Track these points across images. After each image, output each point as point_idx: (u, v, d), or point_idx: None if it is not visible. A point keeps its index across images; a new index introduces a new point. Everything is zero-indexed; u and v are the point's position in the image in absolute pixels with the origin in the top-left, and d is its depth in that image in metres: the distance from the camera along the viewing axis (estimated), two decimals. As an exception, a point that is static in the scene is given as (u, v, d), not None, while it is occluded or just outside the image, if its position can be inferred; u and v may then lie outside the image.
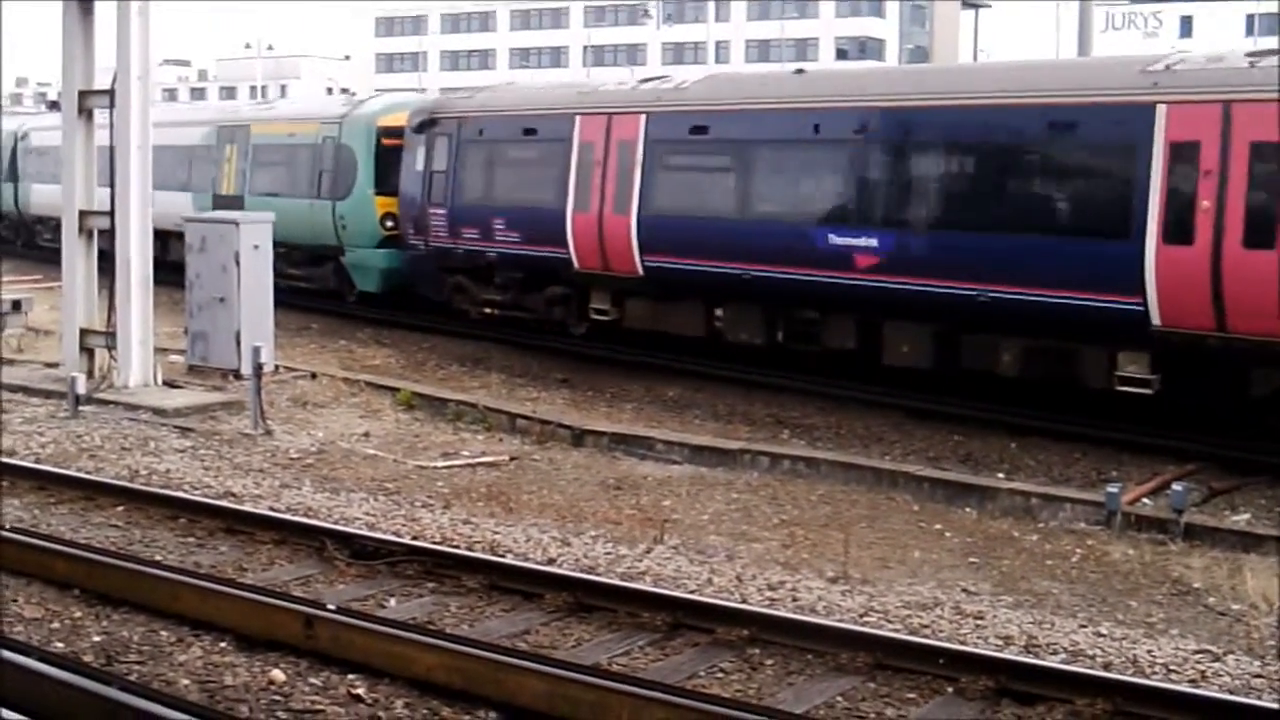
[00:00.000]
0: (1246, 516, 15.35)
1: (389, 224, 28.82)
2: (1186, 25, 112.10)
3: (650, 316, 23.82)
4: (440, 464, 17.28)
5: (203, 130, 34.66)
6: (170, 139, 31.98)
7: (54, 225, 31.53)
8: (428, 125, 27.38)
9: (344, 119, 30.10)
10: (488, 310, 26.81)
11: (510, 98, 28.71)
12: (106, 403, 19.43)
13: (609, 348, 24.69)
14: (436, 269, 27.55)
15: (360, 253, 29.53)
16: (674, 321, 23.50)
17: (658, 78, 26.11)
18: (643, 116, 23.54)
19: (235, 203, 31.62)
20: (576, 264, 24.24)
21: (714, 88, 24.22)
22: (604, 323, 24.63)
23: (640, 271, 23.30)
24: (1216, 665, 9.90)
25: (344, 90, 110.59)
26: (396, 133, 28.56)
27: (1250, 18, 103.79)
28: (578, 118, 24.53)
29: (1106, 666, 9.79)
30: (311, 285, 30.85)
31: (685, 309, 23.22)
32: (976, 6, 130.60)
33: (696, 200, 22.93)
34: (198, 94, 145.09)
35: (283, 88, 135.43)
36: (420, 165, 27.33)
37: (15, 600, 10.61)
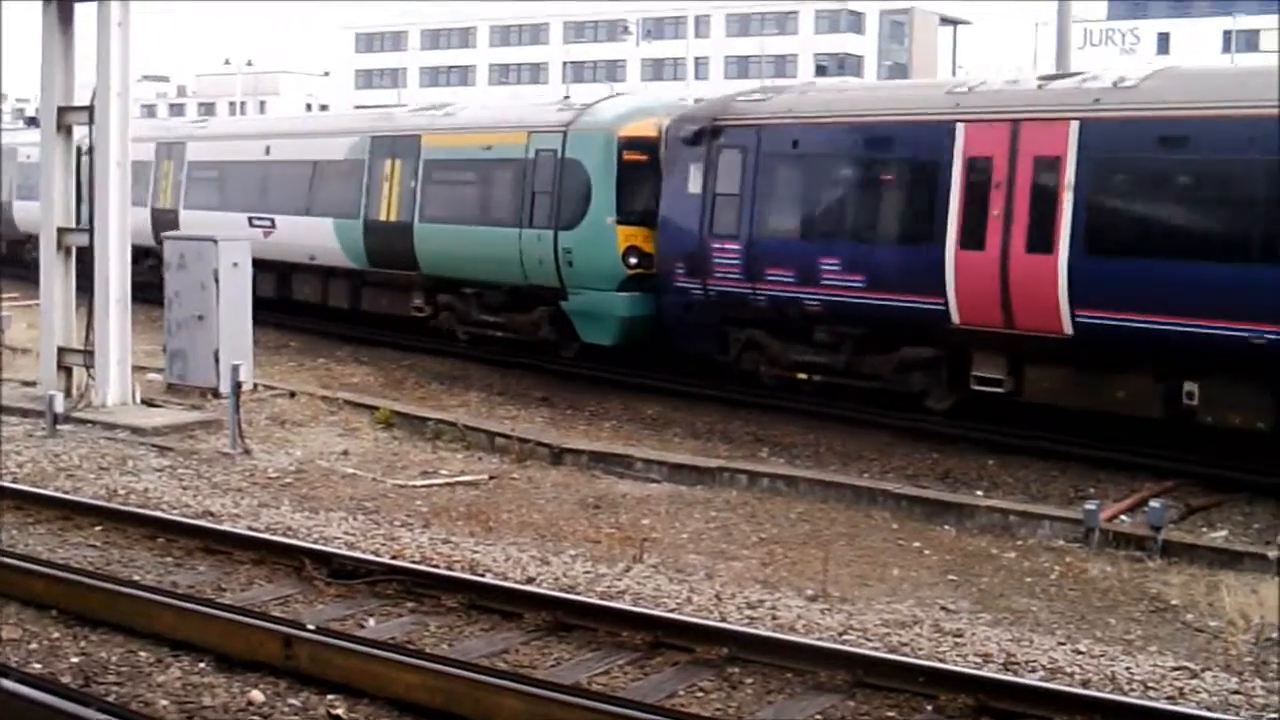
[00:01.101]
0: (1224, 533, 15.41)
1: (633, 260, 23.58)
2: (1164, 41, 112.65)
3: (1072, 389, 18.95)
4: (419, 483, 17.26)
5: (346, 142, 29.56)
6: (290, 153, 31.18)
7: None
8: (708, 135, 22.22)
9: (569, 127, 24.47)
10: (800, 375, 21.72)
11: (835, 100, 22.95)
12: (84, 421, 19.38)
13: (589, 366, 24.65)
14: (718, 320, 22.39)
15: (592, 296, 23.95)
16: (1114, 397, 18.44)
17: (1067, 75, 21.47)
18: (1073, 124, 18.48)
19: (401, 231, 27.55)
20: (957, 317, 19.28)
21: (1188, 85, 18.85)
22: (987, 395, 19.56)
23: (1067, 329, 18.28)
24: (1194, 682, 9.93)
25: (323, 107, 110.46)
26: (644, 145, 23.68)
27: (1227, 34, 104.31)
28: (961, 126, 19.42)
29: (1085, 684, 9.81)
30: (513, 335, 25.99)
31: (1135, 381, 18.32)
32: (955, 23, 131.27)
33: (1171, 236, 18.13)
34: (176, 110, 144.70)
35: (261, 104, 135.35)
36: (696, 187, 22.28)
37: (-7, 621, 10.58)
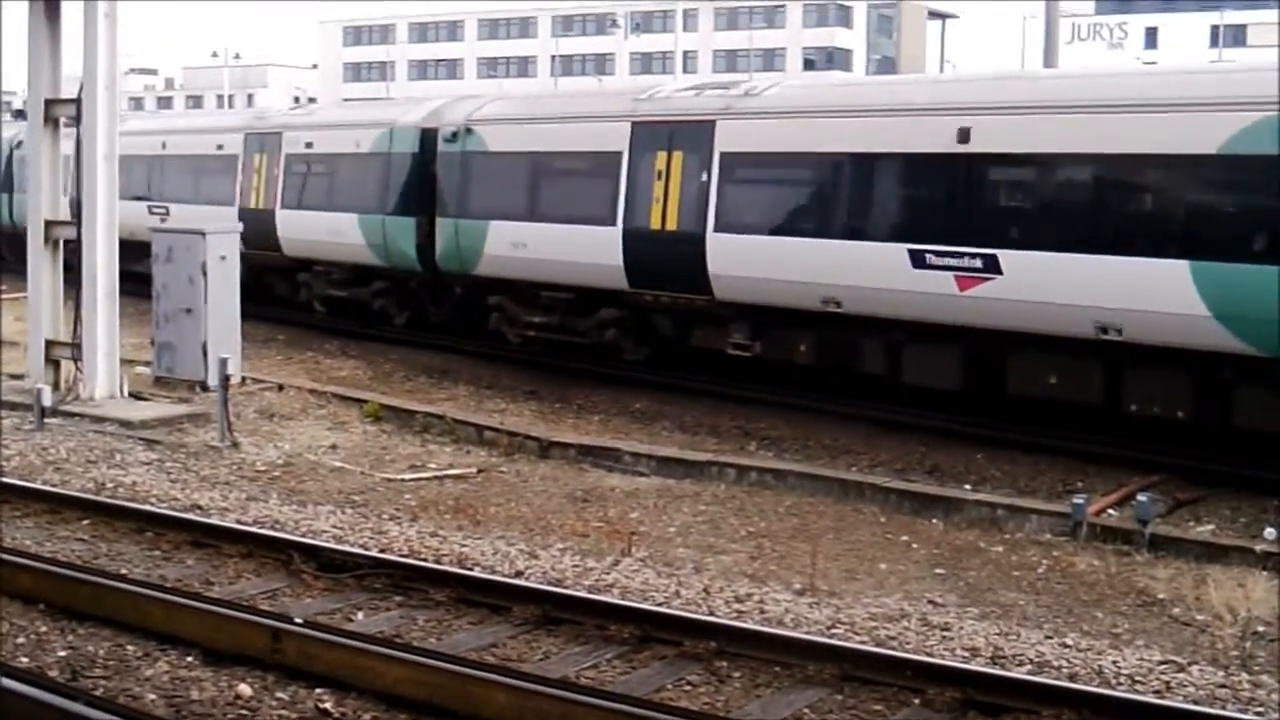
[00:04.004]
0: (1211, 527, 15.44)
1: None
2: (1151, 36, 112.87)
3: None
4: (408, 476, 17.26)
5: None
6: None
7: None
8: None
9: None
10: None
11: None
12: (72, 415, 19.35)
13: (576, 361, 24.68)
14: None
15: None
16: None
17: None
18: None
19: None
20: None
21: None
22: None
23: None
24: (1181, 675, 9.96)
25: (310, 100, 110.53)
26: None
27: (1215, 28, 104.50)
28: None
29: (1072, 677, 9.84)
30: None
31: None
32: (944, 17, 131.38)
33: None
34: (164, 102, 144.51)
35: (249, 97, 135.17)
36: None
37: (-20, 615, 10.57)
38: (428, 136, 26.72)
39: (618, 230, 22.64)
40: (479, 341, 26.42)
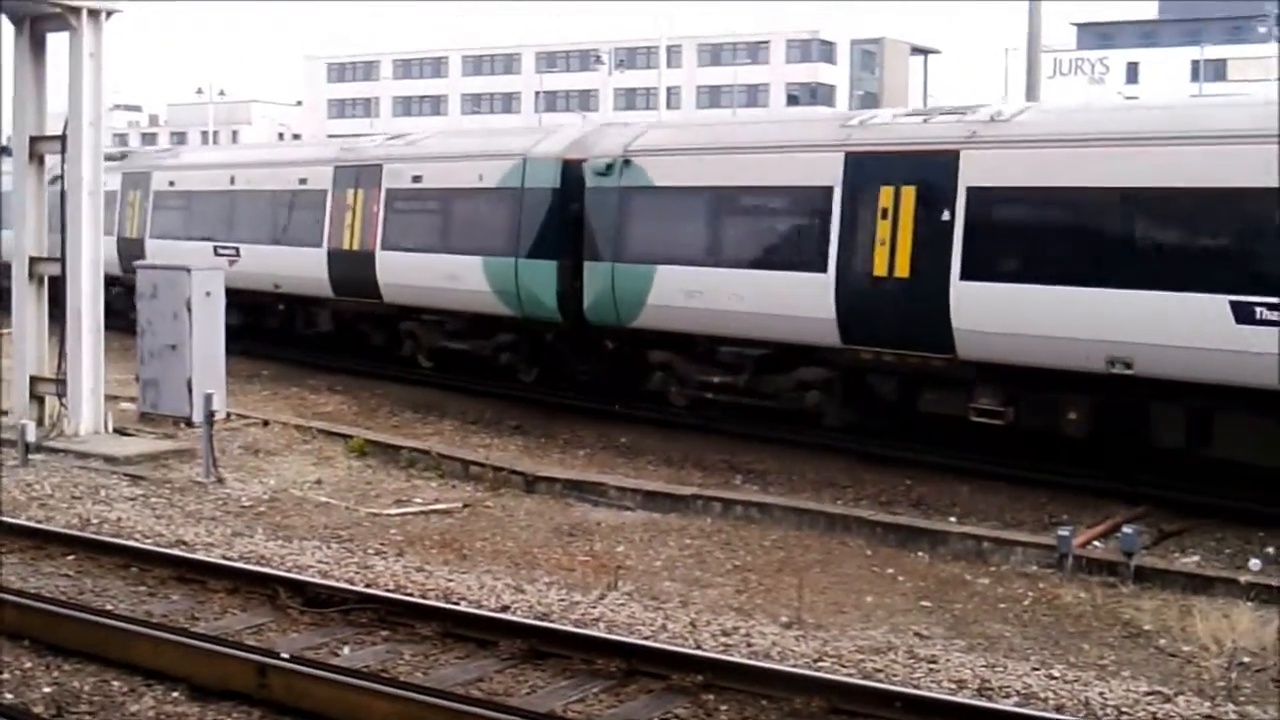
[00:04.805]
0: (1196, 558, 15.47)
1: None
2: (1133, 71, 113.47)
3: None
4: (393, 511, 17.24)
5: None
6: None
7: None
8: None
9: None
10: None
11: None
12: (57, 451, 19.31)
13: (561, 394, 24.67)
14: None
15: None
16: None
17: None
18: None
19: None
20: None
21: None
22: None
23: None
24: (1168, 706, 9.97)
25: (295, 136, 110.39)
26: None
27: (1195, 63, 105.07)
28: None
29: (1059, 709, 9.85)
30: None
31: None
32: (926, 53, 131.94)
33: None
34: (148, 139, 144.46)
35: (234, 133, 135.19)
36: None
37: (-36, 651, 10.52)
38: (570, 169, 23.67)
39: (828, 277, 19.67)
40: (634, 404, 23.47)
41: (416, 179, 26.62)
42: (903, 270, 18.89)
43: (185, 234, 31.79)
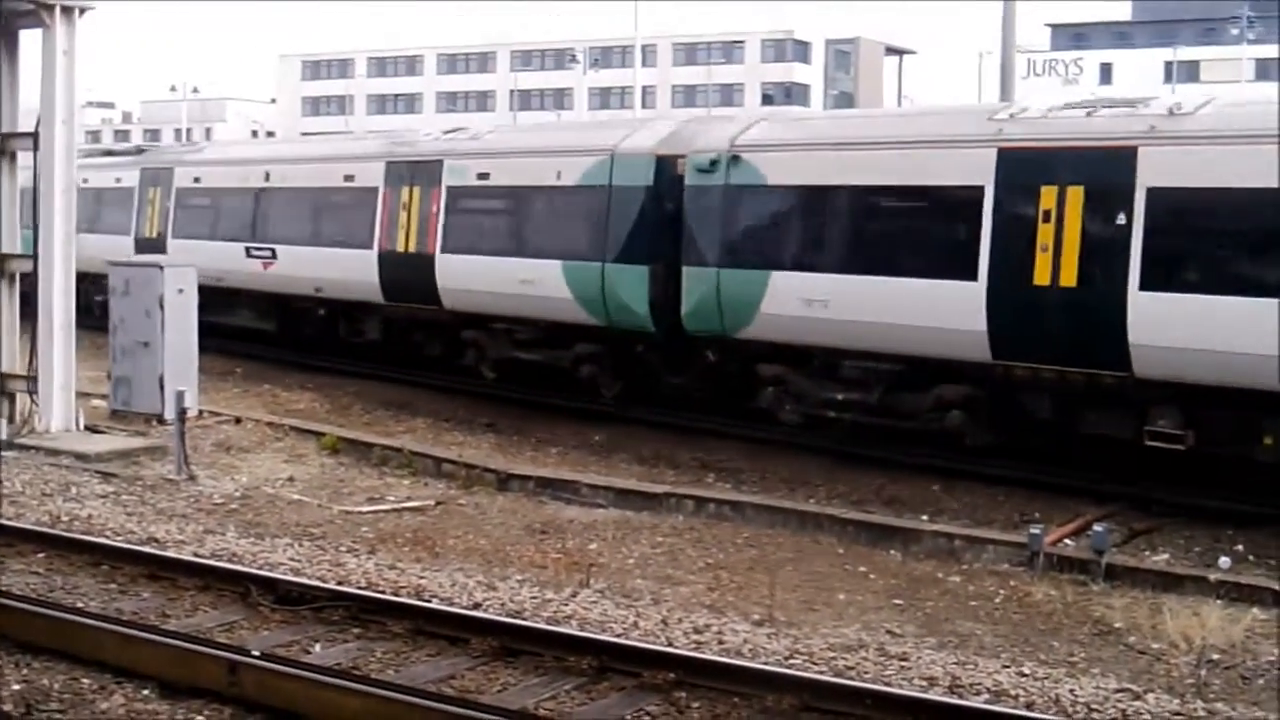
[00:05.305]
0: (1166, 557, 15.54)
1: None
2: (1106, 72, 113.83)
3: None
4: (365, 509, 17.22)
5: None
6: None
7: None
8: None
9: None
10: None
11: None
12: (27, 448, 19.24)
13: (533, 393, 24.63)
14: None
15: None
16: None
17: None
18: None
19: None
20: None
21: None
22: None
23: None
24: (1137, 704, 10.01)
25: (269, 133, 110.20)
26: None
27: (1169, 64, 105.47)
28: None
29: (1029, 706, 9.88)
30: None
31: None
32: (900, 53, 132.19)
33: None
34: (121, 136, 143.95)
35: (208, 130, 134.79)
36: None
37: (-67, 648, 10.48)
38: (664, 165, 21.82)
39: (979, 286, 17.94)
40: (740, 421, 21.63)
41: (483, 176, 24.64)
42: (1068, 279, 17.23)
43: (212, 234, 30.26)
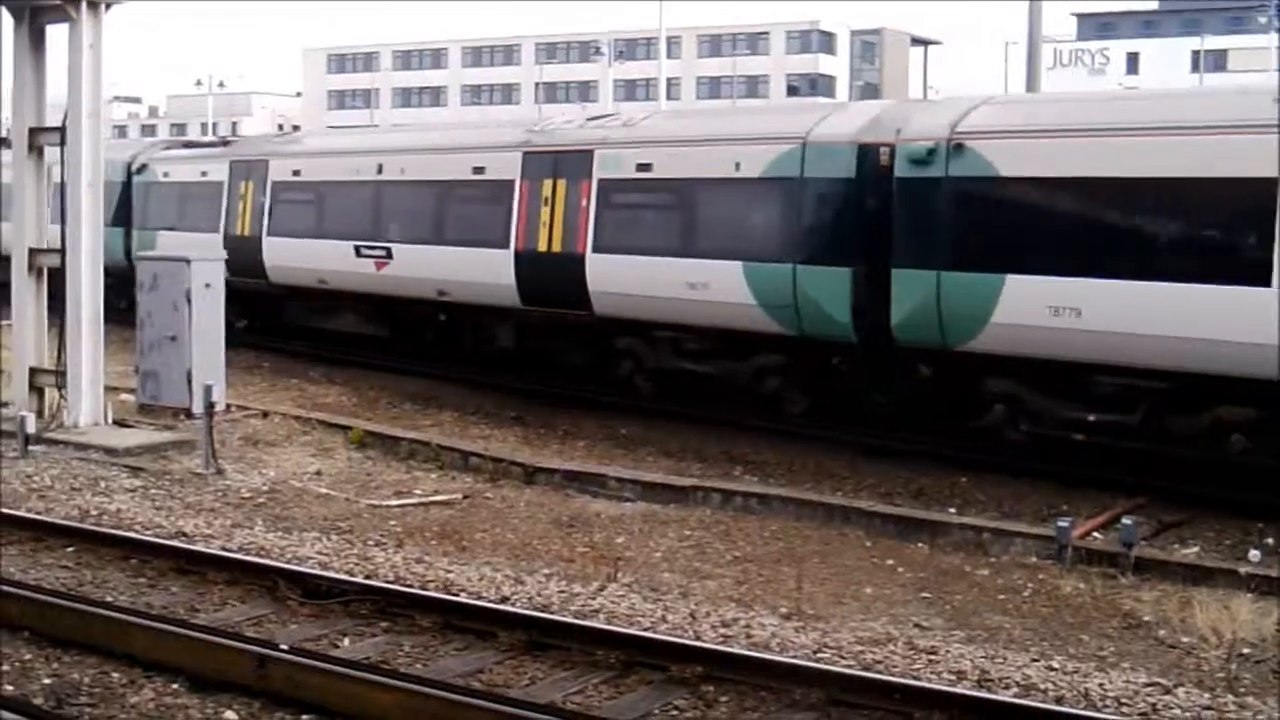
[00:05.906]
0: (1195, 549, 15.46)
1: None
2: (1133, 62, 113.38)
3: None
4: (393, 502, 17.24)
5: None
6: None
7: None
8: None
9: None
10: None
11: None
12: (56, 442, 19.31)
13: (559, 385, 24.60)
14: None
15: None
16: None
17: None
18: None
19: None
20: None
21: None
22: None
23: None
24: (1167, 698, 9.97)
25: (295, 128, 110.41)
26: None
27: (1195, 54, 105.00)
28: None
29: (1058, 700, 9.85)
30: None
31: None
32: (926, 43, 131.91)
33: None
34: (148, 130, 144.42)
35: (234, 125, 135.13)
36: None
37: (-36, 643, 10.53)
38: (867, 155, 19.68)
39: (1274, 292, 15.61)
40: (962, 444, 19.41)
41: (643, 167, 22.28)
42: None
43: (316, 231, 28.20)
